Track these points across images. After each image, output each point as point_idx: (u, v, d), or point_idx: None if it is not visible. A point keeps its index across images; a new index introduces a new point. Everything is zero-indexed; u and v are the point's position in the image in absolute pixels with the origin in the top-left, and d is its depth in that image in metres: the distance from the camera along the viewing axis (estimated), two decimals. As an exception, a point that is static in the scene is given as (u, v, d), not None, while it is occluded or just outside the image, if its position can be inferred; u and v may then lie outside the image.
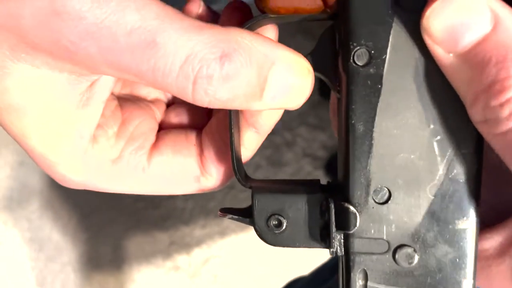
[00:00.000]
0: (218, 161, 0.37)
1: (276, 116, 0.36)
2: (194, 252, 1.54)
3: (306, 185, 0.35)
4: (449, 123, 0.30)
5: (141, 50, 0.27)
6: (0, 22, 0.27)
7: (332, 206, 0.31)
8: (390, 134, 0.30)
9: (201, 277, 1.54)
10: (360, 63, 0.30)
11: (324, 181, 0.36)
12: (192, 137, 0.38)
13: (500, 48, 0.26)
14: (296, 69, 0.31)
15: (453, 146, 0.30)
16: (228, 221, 1.49)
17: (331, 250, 0.32)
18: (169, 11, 0.28)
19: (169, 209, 1.55)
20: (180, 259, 1.55)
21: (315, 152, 1.50)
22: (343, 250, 0.32)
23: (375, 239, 0.31)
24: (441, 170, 0.30)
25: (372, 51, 0.29)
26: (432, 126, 0.30)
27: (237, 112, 0.35)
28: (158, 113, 0.39)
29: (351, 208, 0.31)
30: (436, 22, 0.27)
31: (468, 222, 0.30)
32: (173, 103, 0.41)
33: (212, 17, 0.37)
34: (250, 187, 0.34)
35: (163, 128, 0.39)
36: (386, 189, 0.31)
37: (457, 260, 0.30)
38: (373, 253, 0.31)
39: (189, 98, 0.29)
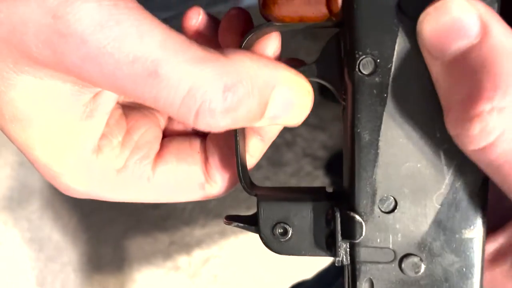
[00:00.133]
0: (223, 168, 0.36)
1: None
2: (194, 252, 1.55)
3: (312, 193, 0.34)
4: None
5: (143, 79, 0.27)
6: (4, 37, 0.27)
7: (338, 215, 0.31)
8: (396, 143, 0.30)
9: (201, 277, 1.54)
10: (365, 72, 0.30)
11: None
12: (196, 144, 0.38)
13: (481, 60, 0.25)
14: (296, 90, 0.31)
15: (459, 155, 0.29)
16: (228, 221, 1.49)
17: (337, 259, 0.32)
18: (173, 38, 0.28)
19: (169, 209, 1.55)
20: (180, 259, 1.55)
21: (315, 152, 1.50)
22: (349, 259, 0.32)
23: (381, 248, 0.31)
24: (447, 179, 0.30)
25: (378, 60, 0.29)
26: (438, 135, 0.29)
27: None
28: (162, 120, 0.39)
29: (357, 217, 0.31)
30: (427, 27, 0.27)
31: (475, 232, 0.30)
32: None
33: (212, 24, 0.37)
34: (256, 195, 0.34)
35: (167, 135, 0.39)
36: (392, 198, 0.31)
37: (464, 269, 0.30)
38: (379, 262, 0.31)
39: (190, 125, 0.29)
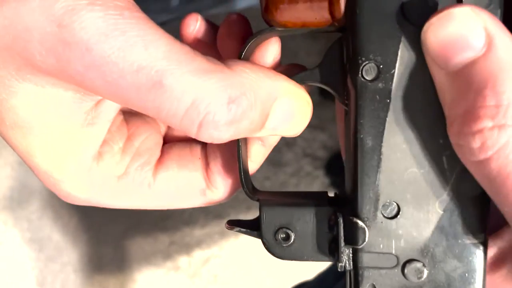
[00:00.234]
0: (224, 173, 0.36)
1: None
2: (194, 252, 1.55)
3: (314, 198, 0.34)
4: None
5: (146, 89, 0.27)
6: (8, 44, 0.27)
7: (341, 221, 0.31)
8: (399, 149, 0.30)
9: (201, 277, 1.54)
10: (368, 78, 0.30)
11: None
12: (196, 150, 0.37)
13: (485, 75, 0.25)
14: (296, 102, 0.32)
15: (462, 161, 0.29)
16: (228, 221, 1.49)
17: (340, 264, 0.32)
18: (178, 49, 0.28)
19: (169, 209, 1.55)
20: (180, 259, 1.55)
21: (315, 152, 1.50)
22: (351, 265, 0.32)
23: (384, 253, 0.31)
24: (450, 185, 0.30)
25: (381, 66, 0.29)
26: (441, 141, 0.29)
27: None
28: (163, 126, 0.39)
29: (360, 223, 0.31)
30: (431, 37, 0.27)
31: (477, 237, 0.30)
32: None
33: (210, 30, 0.37)
34: (258, 200, 0.34)
35: (167, 141, 0.39)
36: (395, 203, 0.31)
37: (466, 275, 0.30)
38: (381, 268, 0.31)
39: (192, 136, 0.29)
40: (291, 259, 0.33)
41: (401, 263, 0.31)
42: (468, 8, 0.26)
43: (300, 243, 0.33)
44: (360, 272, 0.31)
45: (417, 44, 0.28)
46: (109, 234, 1.55)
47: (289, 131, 0.32)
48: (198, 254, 1.54)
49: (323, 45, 1.41)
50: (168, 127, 0.40)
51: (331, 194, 0.36)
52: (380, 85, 0.30)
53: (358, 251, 0.31)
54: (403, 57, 0.29)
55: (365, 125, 0.30)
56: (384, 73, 0.29)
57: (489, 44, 0.26)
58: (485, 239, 0.30)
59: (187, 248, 1.55)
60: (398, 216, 0.31)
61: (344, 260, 0.32)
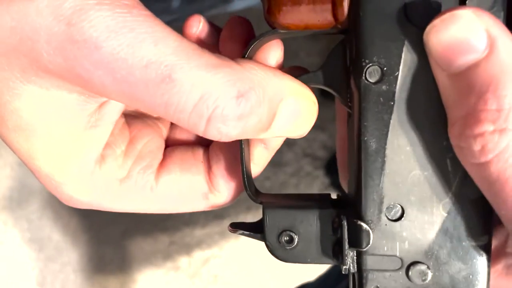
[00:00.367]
0: (227, 176, 0.36)
1: None
2: (194, 252, 1.54)
3: (317, 200, 0.34)
4: None
5: (155, 84, 0.27)
6: (15, 45, 0.27)
7: (345, 223, 0.31)
8: (403, 151, 0.30)
9: (201, 277, 1.54)
10: (372, 80, 0.30)
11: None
12: (199, 153, 0.37)
13: (487, 78, 0.26)
14: (302, 102, 0.32)
15: None
16: (228, 221, 1.49)
17: (344, 267, 0.32)
18: (186, 46, 0.28)
19: (169, 209, 1.55)
20: (180, 259, 1.55)
21: (315, 152, 1.50)
22: (356, 267, 0.32)
23: (388, 256, 0.31)
24: (454, 187, 0.30)
25: (385, 68, 0.29)
26: (445, 143, 0.29)
27: None
28: (164, 130, 0.39)
29: (364, 225, 0.31)
30: (434, 39, 0.27)
31: (481, 239, 0.30)
32: None
33: (213, 32, 0.37)
34: (261, 203, 0.34)
35: (169, 144, 0.39)
36: (399, 206, 0.31)
37: (471, 277, 0.30)
38: (386, 270, 0.31)
39: (199, 133, 0.29)
40: (295, 262, 0.33)
41: (406, 265, 0.31)
42: (470, 10, 0.26)
43: (303, 245, 0.33)
44: (365, 274, 0.31)
45: (420, 46, 0.28)
46: (109, 234, 1.55)
47: (295, 132, 0.32)
48: (198, 254, 1.54)
49: (324, 46, 1.41)
50: (170, 130, 0.39)
51: (333, 196, 0.36)
52: (384, 87, 0.30)
53: (362, 253, 0.31)
54: (407, 59, 0.29)
55: (369, 127, 0.30)
56: (388, 76, 0.29)
57: (491, 46, 0.26)
58: (489, 241, 0.30)
59: (187, 248, 1.55)
60: (402, 219, 0.31)
61: (348, 262, 0.32)
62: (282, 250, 0.33)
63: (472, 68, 0.26)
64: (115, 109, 0.32)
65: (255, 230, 0.34)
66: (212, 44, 0.37)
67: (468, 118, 0.26)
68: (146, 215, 1.52)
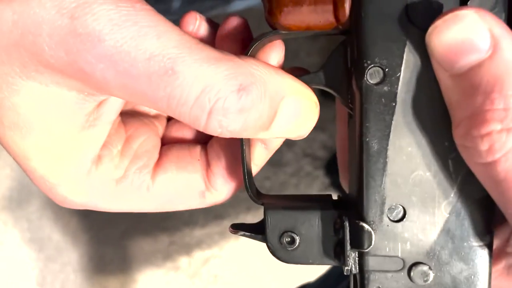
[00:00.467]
0: (225, 174, 0.36)
1: None
2: (194, 252, 1.54)
3: (318, 201, 0.34)
4: None
5: (158, 77, 0.27)
6: (16, 40, 0.27)
7: (347, 224, 0.31)
8: (405, 152, 0.30)
9: (201, 277, 1.54)
10: (373, 81, 0.30)
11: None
12: (195, 151, 0.37)
13: (492, 77, 0.26)
14: (304, 102, 0.31)
15: (467, 164, 0.29)
16: (228, 221, 1.49)
17: (346, 268, 0.32)
18: (189, 40, 0.28)
19: (169, 209, 1.54)
20: (180, 259, 1.55)
21: (315, 152, 1.50)
22: (357, 268, 0.32)
23: (390, 257, 0.31)
24: (455, 187, 0.30)
25: (386, 69, 0.29)
26: (446, 144, 0.29)
27: None
28: (161, 128, 0.39)
29: (366, 226, 0.31)
30: (436, 40, 0.27)
31: (483, 239, 0.30)
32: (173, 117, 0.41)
33: (210, 30, 0.37)
34: (262, 204, 0.34)
35: (165, 143, 0.38)
36: (401, 207, 0.31)
37: (472, 277, 0.30)
38: (388, 271, 0.31)
39: (200, 127, 0.29)
40: (297, 263, 0.33)
41: (407, 266, 0.31)
42: (473, 10, 0.26)
43: (305, 246, 0.33)
44: (366, 275, 0.31)
45: (422, 47, 0.28)
46: (109, 234, 1.55)
47: (296, 132, 0.32)
48: (198, 254, 1.54)
49: (324, 46, 1.41)
50: (166, 128, 0.39)
51: (334, 197, 0.36)
52: (385, 88, 0.30)
53: (364, 254, 0.31)
54: (409, 60, 0.29)
55: (371, 128, 0.30)
56: (390, 77, 0.29)
57: (495, 46, 0.26)
58: (490, 242, 0.30)
59: (187, 248, 1.55)
60: (404, 219, 0.31)
61: (350, 263, 0.32)
62: (284, 251, 0.33)
63: (475, 68, 0.26)
64: (113, 108, 0.32)
65: (256, 231, 0.34)
66: (210, 41, 0.36)
67: (473, 118, 0.26)
68: (146, 215, 1.51)
